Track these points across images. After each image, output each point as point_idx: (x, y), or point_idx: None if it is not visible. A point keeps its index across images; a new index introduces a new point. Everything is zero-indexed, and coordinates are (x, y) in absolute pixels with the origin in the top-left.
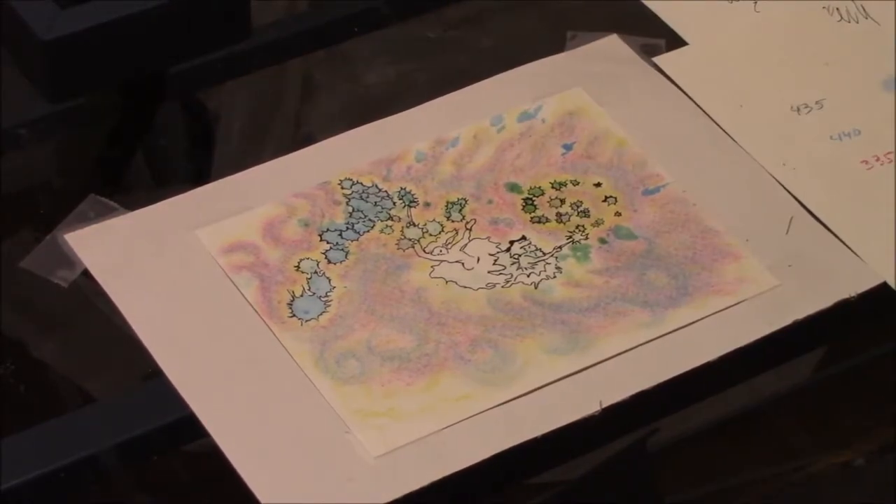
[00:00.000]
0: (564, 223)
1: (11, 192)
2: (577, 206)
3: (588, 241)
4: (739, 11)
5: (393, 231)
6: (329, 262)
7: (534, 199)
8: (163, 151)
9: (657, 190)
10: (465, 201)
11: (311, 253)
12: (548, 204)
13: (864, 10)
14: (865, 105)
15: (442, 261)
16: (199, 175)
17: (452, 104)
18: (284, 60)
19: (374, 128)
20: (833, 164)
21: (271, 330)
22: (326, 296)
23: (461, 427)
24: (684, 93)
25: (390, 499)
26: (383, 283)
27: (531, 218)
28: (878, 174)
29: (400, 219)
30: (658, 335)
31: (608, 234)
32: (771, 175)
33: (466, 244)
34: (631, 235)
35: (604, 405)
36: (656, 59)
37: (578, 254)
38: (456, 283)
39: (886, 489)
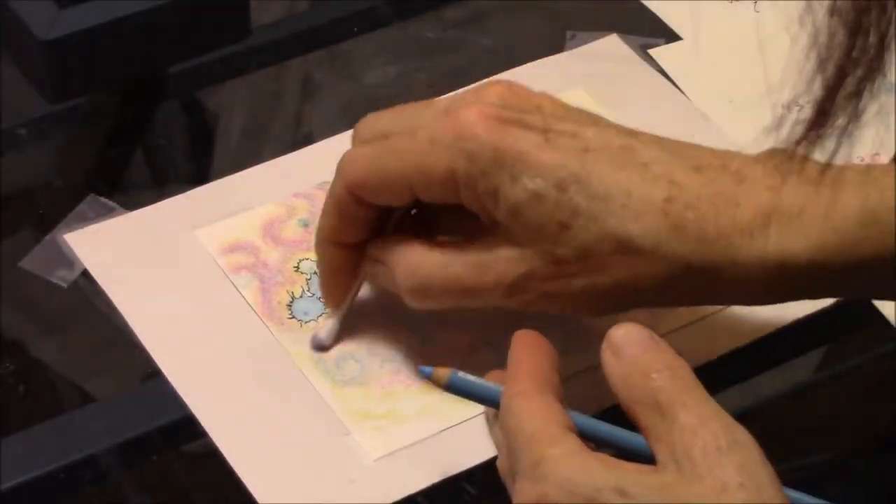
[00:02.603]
0: None
1: (11, 192)
2: None
3: None
4: (739, 11)
5: None
6: None
7: None
8: (163, 151)
9: None
10: None
11: (311, 253)
12: None
13: None
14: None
15: None
16: (199, 175)
17: None
18: (284, 60)
19: None
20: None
21: (271, 331)
22: None
23: (461, 429)
24: (680, 90)
25: (390, 501)
26: None
27: None
28: None
29: None
30: (658, 335)
31: None
32: None
33: None
34: None
35: (603, 406)
36: (651, 52)
37: None
38: None
39: (886, 489)
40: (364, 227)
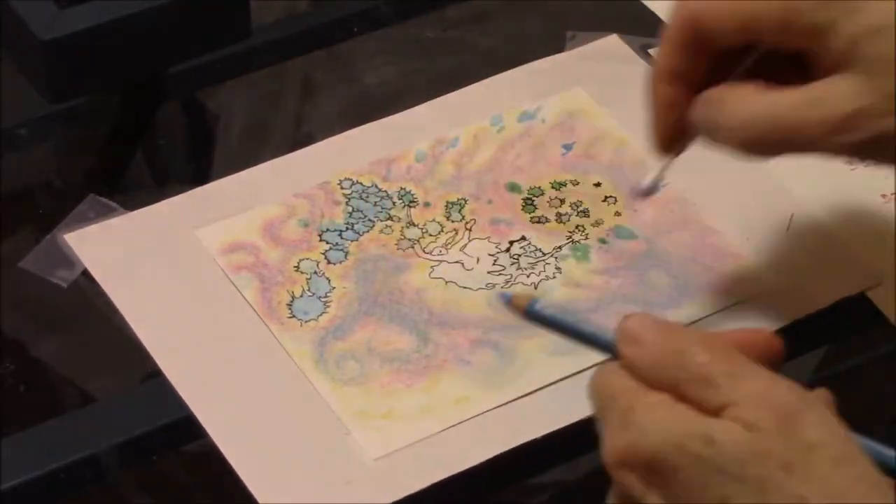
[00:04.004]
0: (564, 223)
1: (11, 192)
2: (577, 206)
3: (588, 242)
4: None
5: (392, 231)
6: (329, 262)
7: (534, 199)
8: (163, 151)
9: None
10: (465, 201)
11: (311, 253)
12: (547, 204)
13: None
14: None
15: (441, 261)
16: (199, 175)
17: (452, 104)
18: (284, 60)
19: (374, 128)
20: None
21: (271, 330)
22: (326, 296)
23: (461, 428)
24: None
25: (390, 500)
26: (383, 283)
27: (531, 218)
28: (875, 170)
29: (399, 219)
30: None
31: (608, 235)
32: (770, 173)
33: (466, 244)
34: (631, 235)
35: None
36: (652, 52)
37: (578, 254)
38: (456, 284)
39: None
40: (700, 67)
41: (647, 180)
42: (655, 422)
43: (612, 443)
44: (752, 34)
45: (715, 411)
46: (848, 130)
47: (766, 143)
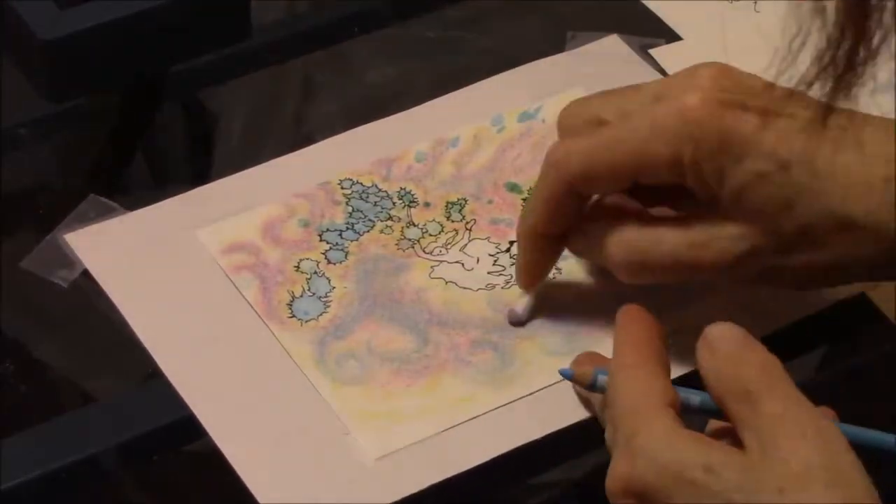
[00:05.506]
0: None
1: (11, 192)
2: None
3: None
4: (739, 11)
5: (393, 231)
6: (329, 262)
7: None
8: (163, 151)
9: None
10: (465, 201)
11: (311, 253)
12: None
13: None
14: (863, 105)
15: (442, 261)
16: (199, 175)
17: (452, 104)
18: (284, 60)
19: (374, 128)
20: None
21: (271, 330)
22: (326, 296)
23: (461, 429)
24: None
25: (390, 501)
26: (383, 283)
27: None
28: None
29: (400, 219)
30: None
31: None
32: None
33: (466, 244)
34: None
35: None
36: (651, 52)
37: None
38: (456, 284)
39: (886, 490)
40: (574, 216)
41: (520, 309)
42: (655, 453)
43: (617, 466)
44: (635, 182)
45: (741, 429)
46: (738, 269)
47: (657, 277)
